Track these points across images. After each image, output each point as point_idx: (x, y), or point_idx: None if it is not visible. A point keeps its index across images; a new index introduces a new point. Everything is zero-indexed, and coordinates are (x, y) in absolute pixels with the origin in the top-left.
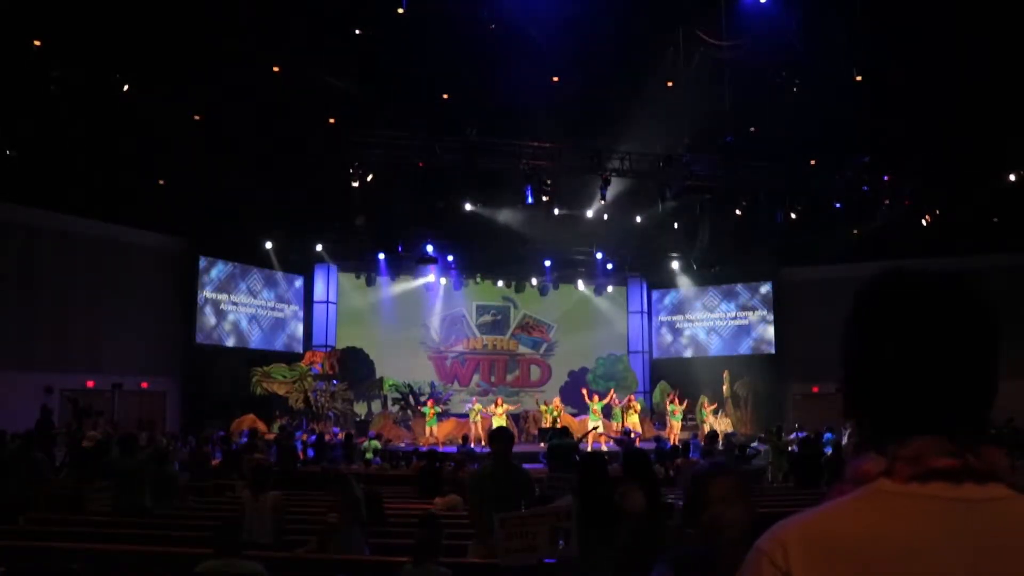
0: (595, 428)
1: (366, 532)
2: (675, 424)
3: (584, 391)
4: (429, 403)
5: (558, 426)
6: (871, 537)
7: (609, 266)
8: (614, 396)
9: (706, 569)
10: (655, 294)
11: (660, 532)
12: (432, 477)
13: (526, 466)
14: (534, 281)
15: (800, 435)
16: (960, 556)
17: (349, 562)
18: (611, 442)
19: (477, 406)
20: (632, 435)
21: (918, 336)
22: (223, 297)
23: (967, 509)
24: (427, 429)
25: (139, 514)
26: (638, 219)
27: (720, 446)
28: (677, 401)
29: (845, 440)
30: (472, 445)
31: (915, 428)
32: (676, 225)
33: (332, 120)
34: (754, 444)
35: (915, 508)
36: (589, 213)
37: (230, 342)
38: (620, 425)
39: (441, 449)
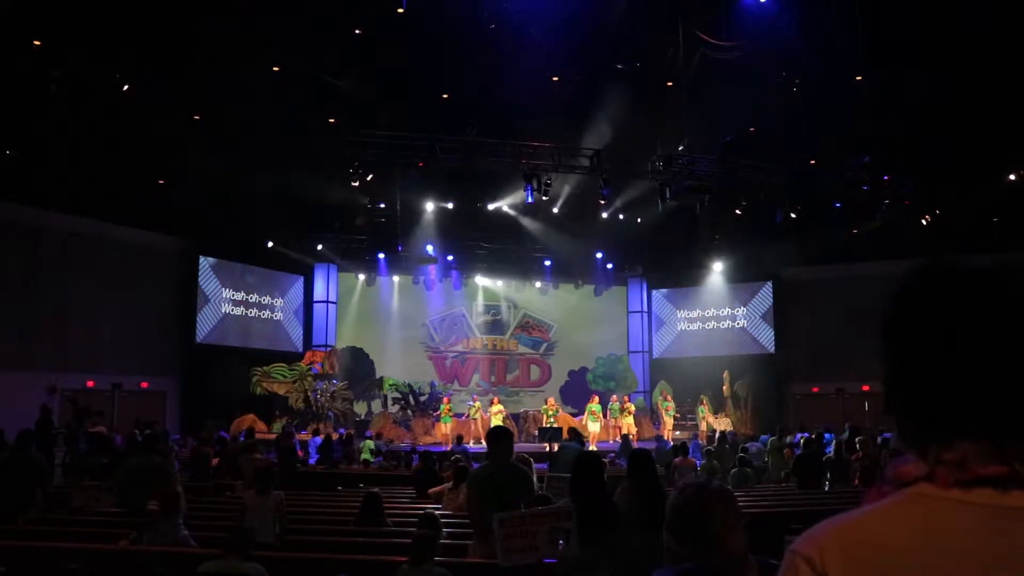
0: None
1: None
2: (667, 420)
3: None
4: (445, 400)
5: (555, 426)
6: (911, 544)
7: (609, 266)
8: (614, 398)
9: None
10: (655, 294)
11: (660, 532)
12: (429, 477)
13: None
14: (534, 281)
15: (805, 435)
16: (1004, 567)
17: (349, 562)
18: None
19: (477, 404)
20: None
21: (966, 334)
22: (223, 297)
23: (1013, 517)
24: (443, 427)
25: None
26: (638, 219)
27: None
28: (670, 398)
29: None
30: (468, 444)
31: (960, 432)
32: (676, 225)
33: (332, 120)
34: (747, 444)
35: (958, 515)
36: (588, 213)
37: (230, 342)
38: (616, 424)
39: (442, 448)
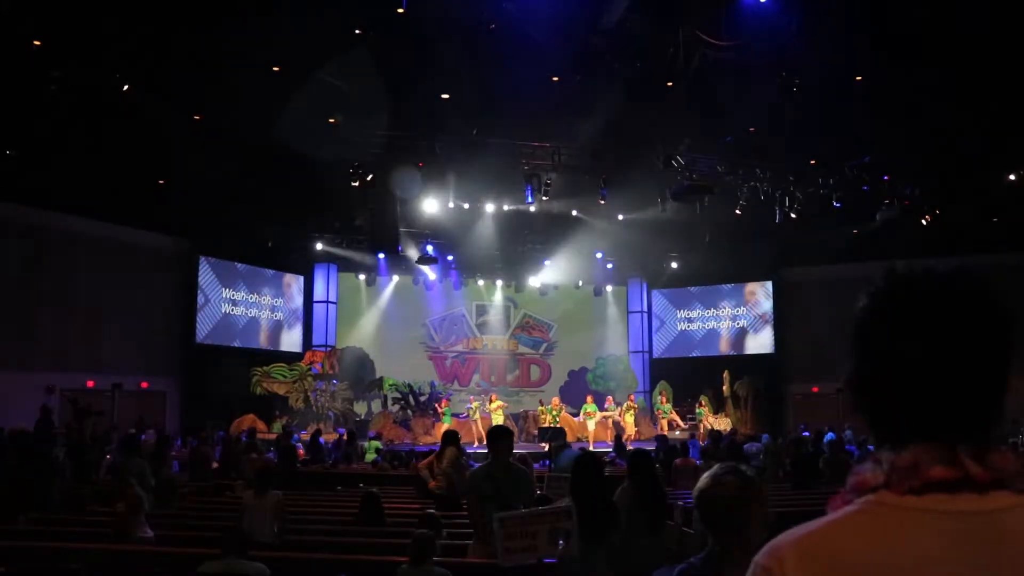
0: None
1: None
2: (663, 422)
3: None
4: (444, 403)
5: (556, 426)
6: (868, 553)
7: (609, 266)
8: (612, 399)
9: None
10: (655, 294)
11: (660, 532)
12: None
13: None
14: (534, 281)
15: (805, 434)
16: (958, 571)
17: (349, 562)
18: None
19: (475, 404)
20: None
21: (918, 338)
22: (223, 297)
23: (965, 522)
24: (443, 427)
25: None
26: (638, 219)
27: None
28: (666, 400)
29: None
30: (472, 444)
31: (914, 435)
32: (676, 225)
33: (332, 120)
34: (747, 444)
35: (912, 522)
36: (589, 213)
37: (230, 342)
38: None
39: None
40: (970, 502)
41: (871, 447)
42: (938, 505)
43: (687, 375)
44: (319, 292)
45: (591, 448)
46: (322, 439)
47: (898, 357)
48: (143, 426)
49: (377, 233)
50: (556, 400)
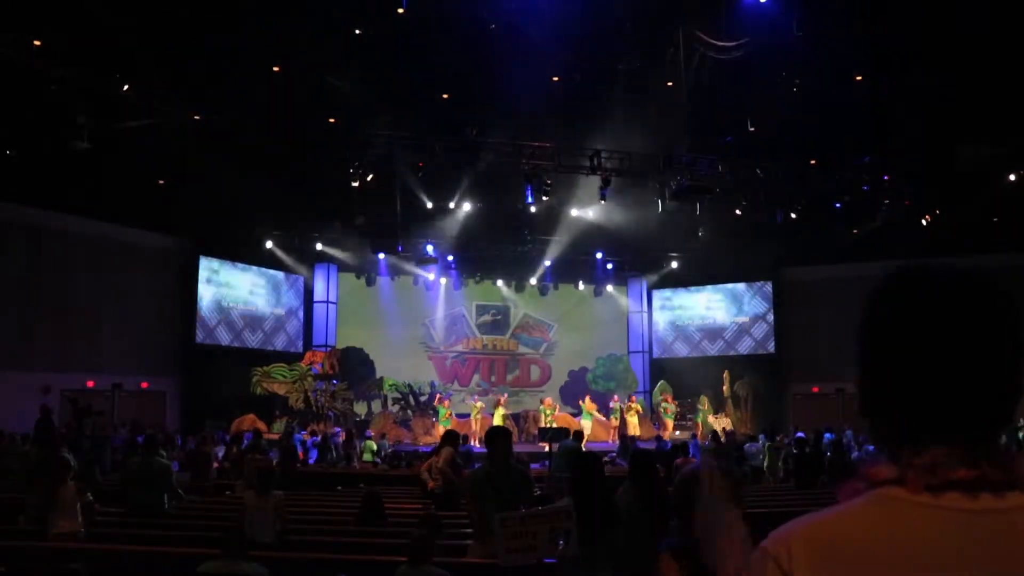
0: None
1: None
2: (668, 422)
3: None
4: (445, 404)
5: (555, 426)
6: (878, 546)
7: (609, 266)
8: (616, 398)
9: (699, 555)
10: (655, 294)
11: (660, 533)
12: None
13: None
14: (534, 281)
15: (799, 435)
16: (970, 568)
17: (349, 562)
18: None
19: (478, 404)
20: (629, 438)
21: (935, 339)
22: (223, 297)
23: (980, 520)
24: (443, 428)
25: (156, 514)
26: (638, 219)
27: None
28: (670, 399)
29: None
30: (472, 444)
31: (931, 436)
32: (676, 225)
33: (332, 120)
34: (747, 444)
35: (926, 518)
36: (589, 213)
37: (230, 342)
38: (618, 425)
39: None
40: (988, 502)
41: (870, 448)
42: (958, 504)
43: (687, 375)
44: (319, 292)
45: (588, 447)
46: (316, 438)
47: (910, 358)
48: (138, 428)
49: (377, 233)
50: (549, 400)
